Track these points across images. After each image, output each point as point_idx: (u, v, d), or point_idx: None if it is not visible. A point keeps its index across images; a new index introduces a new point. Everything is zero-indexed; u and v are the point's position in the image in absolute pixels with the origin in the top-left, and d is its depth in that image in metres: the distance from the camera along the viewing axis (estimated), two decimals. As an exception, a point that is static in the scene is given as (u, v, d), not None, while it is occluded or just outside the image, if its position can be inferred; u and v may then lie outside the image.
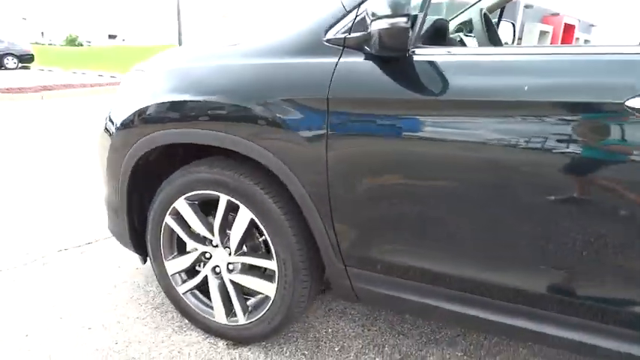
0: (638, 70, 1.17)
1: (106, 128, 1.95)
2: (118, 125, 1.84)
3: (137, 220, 2.00)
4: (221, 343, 1.89)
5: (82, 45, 44.03)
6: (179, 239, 1.92)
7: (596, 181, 1.21)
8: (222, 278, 1.84)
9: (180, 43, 18.88)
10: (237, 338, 1.88)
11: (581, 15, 25.61)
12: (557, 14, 23.01)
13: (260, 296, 1.82)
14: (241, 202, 1.68)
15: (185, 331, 1.97)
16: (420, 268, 1.47)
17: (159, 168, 1.95)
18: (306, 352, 1.84)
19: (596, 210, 1.22)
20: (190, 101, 1.63)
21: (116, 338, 1.92)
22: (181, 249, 1.96)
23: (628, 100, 1.12)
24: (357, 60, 1.41)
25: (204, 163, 1.74)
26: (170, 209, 1.83)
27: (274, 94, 1.50)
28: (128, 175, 1.85)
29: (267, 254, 1.75)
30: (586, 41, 24.36)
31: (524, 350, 1.86)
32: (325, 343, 1.90)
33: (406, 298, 1.51)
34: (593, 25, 27.52)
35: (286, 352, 1.84)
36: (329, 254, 1.57)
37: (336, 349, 1.87)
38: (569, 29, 23.38)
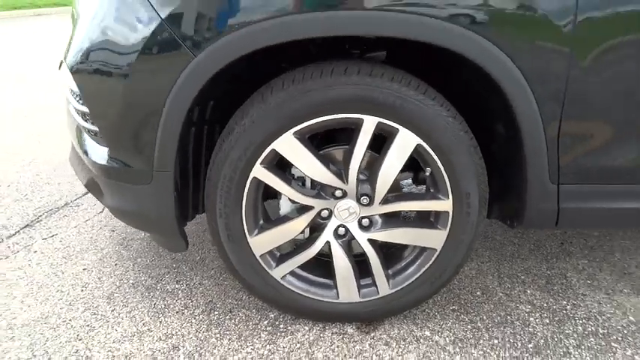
0: None
1: (102, 63, 1.13)
2: (149, 35, 1.05)
3: (190, 186, 1.27)
4: (350, 329, 1.37)
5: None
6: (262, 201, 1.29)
7: None
8: (348, 242, 1.30)
9: None
10: (369, 315, 1.38)
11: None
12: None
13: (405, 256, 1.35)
14: (401, 125, 1.14)
15: (287, 330, 1.37)
16: None
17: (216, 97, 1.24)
18: (455, 307, 1.46)
19: None
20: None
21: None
22: (267, 216, 1.32)
23: None
24: None
25: (330, 73, 1.12)
26: (264, 155, 1.17)
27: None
28: (181, 115, 1.11)
29: (426, 194, 1.27)
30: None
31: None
32: (461, 290, 1.54)
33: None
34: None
35: (435, 315, 1.42)
36: (540, 174, 1.18)
37: (478, 293, 1.53)
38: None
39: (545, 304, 1.47)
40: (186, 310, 1.45)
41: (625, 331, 1.36)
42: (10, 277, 1.61)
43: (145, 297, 1.50)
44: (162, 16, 1.04)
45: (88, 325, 1.39)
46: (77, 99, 1.26)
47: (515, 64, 1.07)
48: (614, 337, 1.34)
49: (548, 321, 1.40)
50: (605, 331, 1.36)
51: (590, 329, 1.37)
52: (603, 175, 1.20)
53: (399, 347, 1.30)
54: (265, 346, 1.31)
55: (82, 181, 1.45)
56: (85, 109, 1.22)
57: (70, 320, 1.41)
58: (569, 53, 1.06)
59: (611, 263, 1.67)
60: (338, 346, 1.31)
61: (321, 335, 1.35)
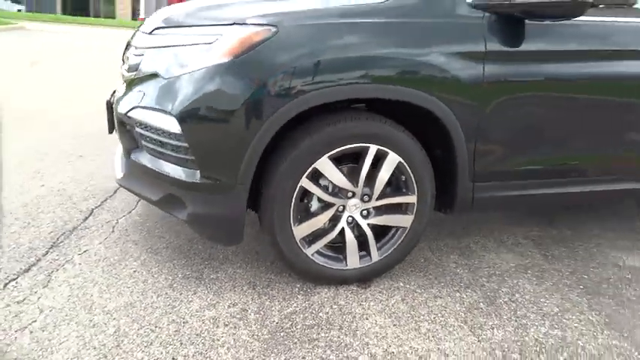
0: None
1: (210, 108, 1.71)
2: (247, 95, 1.67)
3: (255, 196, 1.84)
4: (354, 287, 2.04)
5: None
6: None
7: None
8: (354, 226, 1.98)
9: None
10: (365, 276, 2.07)
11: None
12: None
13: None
14: (391, 149, 1.89)
15: (314, 292, 1.99)
16: (539, 169, 2.13)
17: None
18: (412, 269, 2.22)
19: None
20: (374, 56, 1.75)
21: (273, 318, 1.79)
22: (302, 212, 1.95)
23: None
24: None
25: (351, 119, 1.83)
26: (308, 171, 1.82)
27: (444, 48, 1.81)
28: (262, 146, 1.72)
29: (401, 192, 2.02)
30: None
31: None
32: (412, 259, 2.30)
33: (521, 194, 2.14)
34: None
35: (402, 274, 2.17)
36: (464, 176, 2.01)
37: (422, 260, 2.31)
38: None
39: (463, 262, 2.32)
40: (236, 288, 1.98)
41: (507, 272, 2.26)
42: (75, 282, 1.96)
43: (199, 284, 2.00)
44: (257, 84, 1.66)
45: (168, 305, 1.85)
46: (173, 138, 1.76)
47: (451, 111, 1.88)
48: (505, 274, 2.23)
49: (467, 270, 2.25)
50: (499, 272, 2.25)
51: (491, 272, 2.24)
52: (498, 175, 2.08)
53: (388, 292, 2.02)
54: (304, 302, 1.92)
55: (153, 198, 1.92)
56: (185, 144, 1.74)
57: (151, 304, 1.85)
58: (478, 105, 1.91)
59: (494, 237, 2.61)
60: (350, 297, 1.98)
61: (337, 292, 2.01)
